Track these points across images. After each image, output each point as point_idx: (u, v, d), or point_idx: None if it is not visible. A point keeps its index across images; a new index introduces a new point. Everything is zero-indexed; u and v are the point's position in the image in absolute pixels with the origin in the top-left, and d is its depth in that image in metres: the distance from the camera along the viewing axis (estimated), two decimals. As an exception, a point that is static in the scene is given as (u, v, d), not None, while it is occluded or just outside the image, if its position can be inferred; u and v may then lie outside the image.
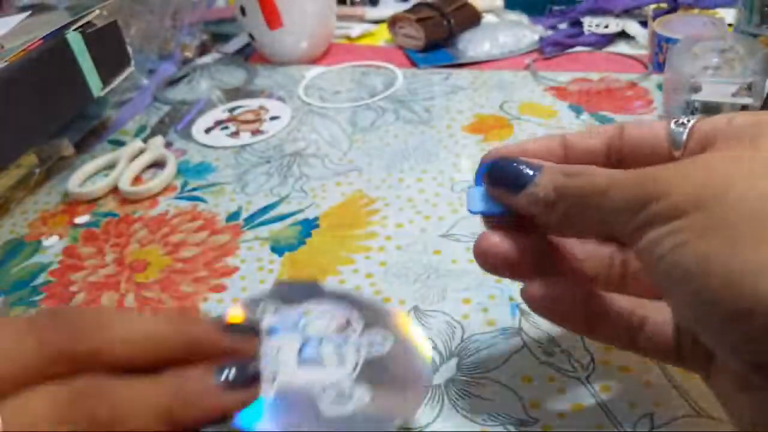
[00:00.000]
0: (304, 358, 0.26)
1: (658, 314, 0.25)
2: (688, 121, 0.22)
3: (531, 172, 0.24)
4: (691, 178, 0.19)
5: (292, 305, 0.28)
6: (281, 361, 0.25)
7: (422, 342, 0.27)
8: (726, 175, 0.19)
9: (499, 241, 0.25)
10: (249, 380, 0.21)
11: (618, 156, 0.25)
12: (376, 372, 0.25)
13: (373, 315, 0.28)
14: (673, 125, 0.23)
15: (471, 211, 0.26)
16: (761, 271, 0.17)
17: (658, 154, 0.23)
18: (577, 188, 0.22)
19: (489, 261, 0.25)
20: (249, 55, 0.71)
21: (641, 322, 0.25)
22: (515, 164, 0.24)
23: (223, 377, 0.20)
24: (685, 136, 0.22)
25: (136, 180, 0.50)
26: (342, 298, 0.29)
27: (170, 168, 0.49)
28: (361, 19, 0.76)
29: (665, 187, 0.19)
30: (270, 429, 0.23)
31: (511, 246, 0.25)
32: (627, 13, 0.64)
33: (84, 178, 0.50)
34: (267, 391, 0.24)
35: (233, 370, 0.21)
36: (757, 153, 0.19)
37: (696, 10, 0.62)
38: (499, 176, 0.25)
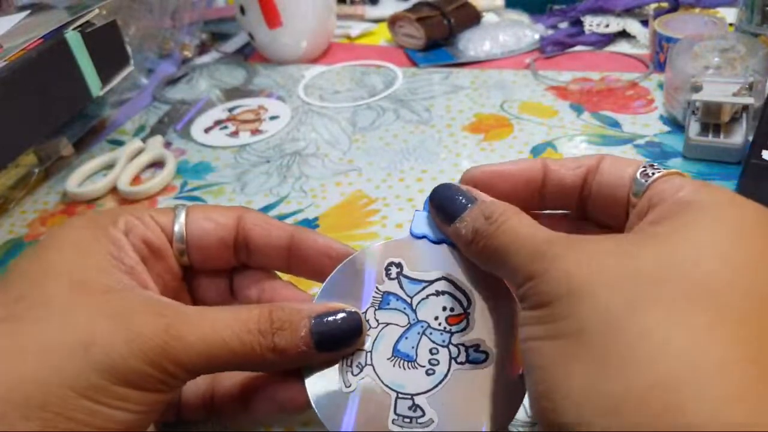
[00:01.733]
0: (398, 351, 0.24)
1: None
2: (653, 174, 0.23)
3: (464, 204, 0.24)
4: (565, 266, 0.19)
5: (426, 269, 0.25)
6: (376, 349, 0.24)
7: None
8: (591, 275, 0.18)
9: None
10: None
11: (589, 190, 0.25)
12: (453, 395, 0.23)
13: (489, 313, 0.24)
14: (638, 175, 0.23)
15: (413, 234, 0.26)
16: (574, 396, 0.17)
17: (621, 195, 0.23)
18: (487, 236, 0.22)
19: None
20: (248, 54, 0.71)
21: None
22: (452, 193, 0.25)
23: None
24: (644, 188, 0.23)
25: (135, 180, 0.49)
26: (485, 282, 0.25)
27: (169, 168, 0.49)
28: (361, 19, 0.76)
29: (545, 266, 0.19)
30: (340, 427, 0.23)
31: None
32: (628, 12, 0.64)
33: (83, 177, 0.50)
34: (351, 382, 0.24)
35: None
36: (659, 248, 0.19)
37: (697, 10, 0.62)
38: (438, 203, 0.25)
